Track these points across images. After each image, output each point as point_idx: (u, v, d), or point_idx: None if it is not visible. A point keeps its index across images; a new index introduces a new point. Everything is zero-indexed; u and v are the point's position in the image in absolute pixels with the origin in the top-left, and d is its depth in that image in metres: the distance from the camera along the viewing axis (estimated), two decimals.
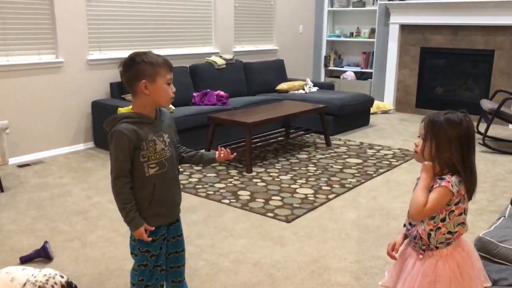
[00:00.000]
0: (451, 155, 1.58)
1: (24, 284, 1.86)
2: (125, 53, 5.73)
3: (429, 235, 1.65)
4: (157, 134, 1.78)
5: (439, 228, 1.63)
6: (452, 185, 1.58)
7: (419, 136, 1.68)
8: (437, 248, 1.66)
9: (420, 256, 1.68)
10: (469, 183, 1.62)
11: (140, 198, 1.79)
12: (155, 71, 1.73)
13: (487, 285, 1.75)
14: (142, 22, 5.35)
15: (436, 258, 1.65)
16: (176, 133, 1.91)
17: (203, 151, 2.04)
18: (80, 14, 4.78)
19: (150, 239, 1.79)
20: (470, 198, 1.66)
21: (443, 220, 1.63)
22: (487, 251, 2.69)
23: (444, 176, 1.60)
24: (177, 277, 2.01)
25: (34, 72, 4.54)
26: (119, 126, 1.72)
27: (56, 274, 1.93)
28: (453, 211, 1.62)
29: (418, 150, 1.66)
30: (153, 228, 1.81)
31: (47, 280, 1.88)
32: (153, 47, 5.48)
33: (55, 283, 1.90)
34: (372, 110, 6.54)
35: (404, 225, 1.78)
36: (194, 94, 5.40)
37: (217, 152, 1.98)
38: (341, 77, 7.72)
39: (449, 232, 1.64)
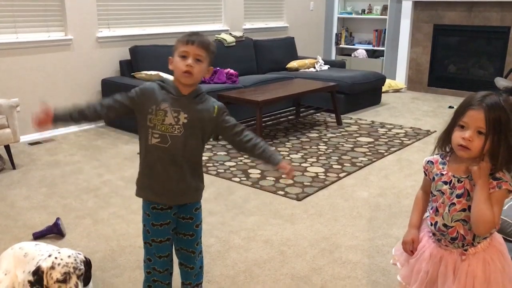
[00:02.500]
0: (510, 143, 1.38)
1: (52, 268, 1.83)
2: (134, 31, 5.69)
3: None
4: (174, 108, 1.73)
5: None
6: (510, 184, 1.41)
7: (462, 126, 1.42)
8: (478, 243, 1.51)
9: (463, 256, 1.51)
10: None
11: (142, 164, 1.82)
12: (175, 47, 1.75)
13: None
14: (151, 0, 5.30)
15: (482, 254, 1.50)
16: (226, 123, 1.81)
17: (264, 145, 1.86)
18: None
19: None
20: None
21: None
22: (502, 230, 2.66)
23: (498, 176, 1.41)
24: (185, 260, 1.98)
25: (44, 49, 4.52)
26: (151, 83, 1.80)
27: (77, 253, 1.93)
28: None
29: (473, 147, 1.40)
30: None
31: (75, 259, 1.88)
32: (162, 25, 5.42)
33: (81, 261, 1.91)
34: (384, 88, 6.46)
35: (435, 225, 1.56)
36: None
37: (284, 165, 1.85)
38: (352, 55, 7.62)
39: None
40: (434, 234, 1.59)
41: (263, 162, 1.88)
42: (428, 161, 1.61)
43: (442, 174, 1.53)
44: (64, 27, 4.65)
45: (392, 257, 1.82)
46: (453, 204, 1.49)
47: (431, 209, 1.59)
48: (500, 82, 5.15)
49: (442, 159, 1.57)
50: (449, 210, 1.51)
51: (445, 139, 1.51)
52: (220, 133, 1.86)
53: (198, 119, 1.76)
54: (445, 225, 1.53)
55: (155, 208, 1.82)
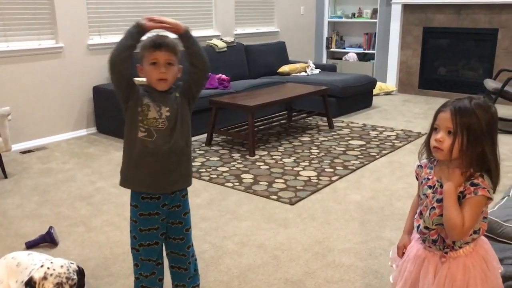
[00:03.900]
0: (484, 147, 1.38)
1: (44, 278, 1.83)
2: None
3: None
4: (155, 103, 1.77)
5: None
6: (488, 190, 1.40)
7: (436, 128, 1.45)
8: (460, 247, 1.50)
9: (443, 259, 1.52)
10: (496, 177, 1.43)
11: (129, 157, 1.82)
12: (141, 54, 1.75)
13: (500, 270, 1.64)
14: (141, 6, 5.29)
15: (463, 259, 1.49)
16: (189, 109, 1.86)
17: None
18: None
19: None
20: (494, 191, 1.46)
21: None
22: (492, 231, 2.69)
23: (476, 181, 1.40)
24: (177, 263, 1.98)
25: (34, 57, 4.51)
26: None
27: (69, 262, 1.93)
28: (483, 211, 1.46)
29: (444, 147, 1.42)
30: None
31: (68, 269, 1.88)
32: (153, 31, 5.42)
33: (74, 270, 1.91)
34: (375, 91, 6.50)
35: (418, 227, 1.58)
36: None
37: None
38: (343, 58, 7.67)
39: (475, 231, 1.49)
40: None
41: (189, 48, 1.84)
42: (418, 166, 1.64)
43: (428, 179, 1.55)
44: (55, 35, 4.65)
45: (390, 259, 1.85)
46: (433, 208, 1.50)
47: (418, 211, 1.61)
48: (489, 83, 5.21)
49: (430, 163, 1.59)
50: (429, 214, 1.52)
51: (427, 143, 1.53)
52: (188, 91, 1.85)
53: (180, 112, 1.81)
54: (426, 228, 1.54)
55: (145, 198, 1.83)
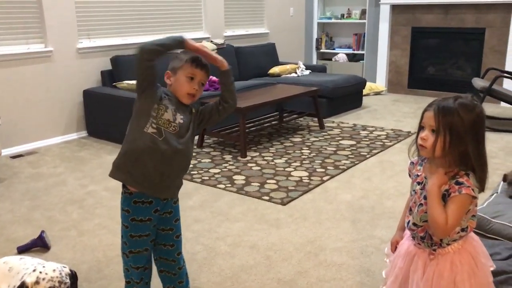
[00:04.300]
0: (467, 147, 1.40)
1: (37, 282, 1.83)
2: (115, 41, 5.68)
3: None
4: (173, 107, 1.81)
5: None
6: (473, 189, 1.41)
7: (422, 127, 1.48)
8: (448, 244, 1.52)
9: (431, 256, 1.54)
10: (483, 176, 1.44)
11: (130, 149, 1.78)
12: (180, 65, 1.82)
13: (492, 268, 1.65)
14: (131, 9, 5.30)
15: (450, 255, 1.52)
16: (207, 108, 1.93)
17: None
18: (68, 2, 4.71)
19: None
20: (482, 190, 1.48)
21: None
22: (481, 227, 2.74)
23: (461, 180, 1.42)
24: (166, 267, 1.98)
25: (23, 62, 4.49)
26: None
27: (62, 266, 1.94)
28: (469, 209, 1.48)
29: (428, 145, 1.45)
30: None
31: (60, 273, 1.88)
32: (143, 34, 5.43)
33: (66, 274, 1.91)
34: (365, 91, 6.55)
35: (408, 223, 1.61)
36: None
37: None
38: (333, 59, 7.71)
39: (462, 229, 1.51)
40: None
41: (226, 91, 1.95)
42: (410, 162, 1.67)
43: (418, 175, 1.58)
44: (44, 39, 4.63)
45: (385, 254, 1.88)
46: (421, 204, 1.53)
47: (408, 208, 1.64)
48: (477, 82, 5.26)
49: (421, 161, 1.61)
50: (417, 210, 1.54)
51: (415, 141, 1.55)
52: (208, 116, 1.93)
53: (190, 121, 1.86)
54: (415, 224, 1.57)
55: (137, 202, 1.81)
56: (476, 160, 1.42)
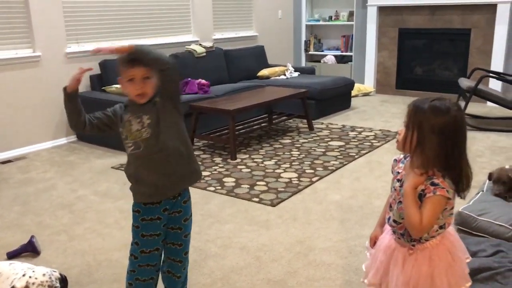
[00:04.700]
0: (436, 148, 1.43)
1: (26, 287, 1.83)
2: (103, 45, 5.59)
3: None
4: (136, 115, 1.81)
5: (432, 227, 1.52)
6: (447, 190, 1.44)
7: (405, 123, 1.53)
8: (427, 240, 1.56)
9: (410, 251, 1.58)
10: (458, 181, 1.46)
11: (128, 174, 1.88)
12: (120, 69, 1.78)
13: (468, 259, 1.72)
14: (119, 13, 5.30)
15: (429, 251, 1.56)
16: (173, 108, 1.84)
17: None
18: (56, 7, 4.71)
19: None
20: (461, 196, 1.50)
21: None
22: (467, 225, 2.78)
23: (436, 181, 1.45)
24: (173, 269, 2.01)
25: (11, 67, 4.48)
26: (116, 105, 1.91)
27: (52, 270, 1.94)
28: (445, 208, 1.51)
29: (399, 138, 1.52)
30: None
31: (50, 277, 1.89)
32: (131, 38, 5.44)
33: (56, 278, 1.92)
34: (353, 92, 6.60)
35: (389, 219, 1.65)
36: None
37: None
38: (322, 61, 7.76)
39: (440, 227, 1.55)
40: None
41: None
42: (394, 159, 1.71)
43: (398, 173, 1.62)
44: (32, 44, 4.62)
45: (366, 248, 1.91)
46: (400, 202, 1.56)
47: (388, 204, 1.68)
48: (464, 82, 5.33)
49: (404, 158, 1.65)
50: (397, 208, 1.58)
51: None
52: (166, 87, 1.83)
53: (162, 117, 1.82)
54: (395, 221, 1.61)
55: (147, 203, 1.87)
56: (446, 163, 1.45)
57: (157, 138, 1.81)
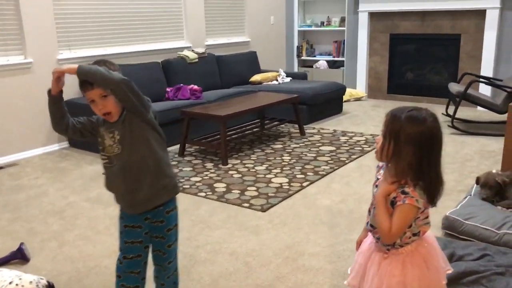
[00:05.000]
0: (409, 157, 1.45)
1: None
2: (95, 51, 5.66)
3: None
4: (109, 130, 1.83)
5: (404, 233, 1.56)
6: (416, 200, 1.47)
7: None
8: (401, 246, 1.60)
9: (385, 255, 1.62)
10: (430, 190, 1.49)
11: (105, 183, 1.93)
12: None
13: (449, 271, 1.75)
14: (111, 19, 5.32)
15: (403, 257, 1.59)
16: (141, 121, 1.81)
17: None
18: (48, 13, 4.72)
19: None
20: (432, 204, 1.53)
21: (408, 226, 1.55)
22: (454, 229, 2.82)
23: (406, 190, 1.48)
24: (158, 273, 2.03)
25: (3, 74, 4.48)
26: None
27: (39, 278, 1.95)
28: (418, 217, 1.55)
29: (377, 147, 1.54)
30: None
31: (37, 285, 1.89)
32: (124, 44, 5.46)
33: (44, 286, 1.92)
34: (345, 97, 6.64)
35: (367, 224, 1.70)
36: (168, 89, 5.40)
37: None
38: (314, 66, 7.81)
39: (414, 234, 1.59)
40: None
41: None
42: (377, 166, 1.74)
43: (377, 179, 1.65)
44: (23, 50, 4.63)
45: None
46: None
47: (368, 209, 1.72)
48: (453, 87, 5.38)
49: (386, 165, 1.68)
50: (373, 213, 1.62)
51: None
52: (126, 102, 1.79)
53: (129, 131, 1.80)
54: (372, 225, 1.65)
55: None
56: (419, 172, 1.47)
57: (125, 154, 1.82)
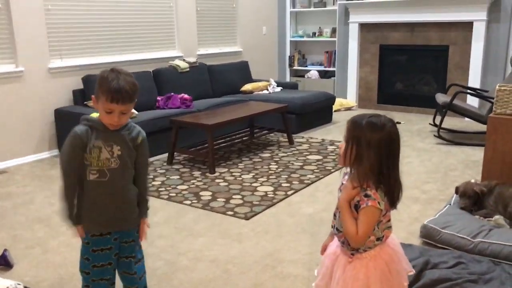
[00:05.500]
0: (370, 162, 1.52)
1: None
2: (86, 60, 5.69)
3: None
4: (107, 143, 1.82)
5: (369, 237, 1.61)
6: (379, 202, 1.53)
7: None
8: (365, 251, 1.65)
9: (349, 259, 1.67)
10: (391, 193, 1.56)
11: (82, 201, 1.86)
12: (99, 93, 1.77)
13: (411, 272, 1.82)
14: (103, 28, 5.39)
15: (366, 261, 1.64)
16: (143, 156, 1.91)
17: (145, 203, 2.00)
18: (39, 22, 4.78)
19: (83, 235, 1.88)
20: (392, 206, 1.60)
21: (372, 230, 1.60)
22: (431, 237, 2.87)
23: (369, 193, 1.54)
24: (128, 282, 2.03)
25: None
26: (77, 126, 1.84)
27: (16, 283, 1.98)
28: (381, 221, 1.61)
29: (340, 153, 1.61)
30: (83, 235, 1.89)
31: None
32: (115, 53, 5.52)
33: None
34: (336, 107, 6.71)
35: (333, 227, 1.76)
36: (158, 98, 5.46)
37: (142, 224, 2.00)
38: (306, 76, 7.89)
39: (378, 239, 1.64)
40: None
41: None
42: (344, 172, 1.78)
43: (342, 183, 1.71)
44: (15, 59, 4.68)
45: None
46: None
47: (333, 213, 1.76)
48: (440, 97, 5.46)
49: (350, 170, 1.73)
50: (338, 217, 1.67)
51: None
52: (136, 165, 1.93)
53: (129, 149, 1.87)
54: (337, 229, 1.70)
55: (95, 235, 1.89)
56: (380, 175, 1.54)
57: (123, 171, 1.85)
